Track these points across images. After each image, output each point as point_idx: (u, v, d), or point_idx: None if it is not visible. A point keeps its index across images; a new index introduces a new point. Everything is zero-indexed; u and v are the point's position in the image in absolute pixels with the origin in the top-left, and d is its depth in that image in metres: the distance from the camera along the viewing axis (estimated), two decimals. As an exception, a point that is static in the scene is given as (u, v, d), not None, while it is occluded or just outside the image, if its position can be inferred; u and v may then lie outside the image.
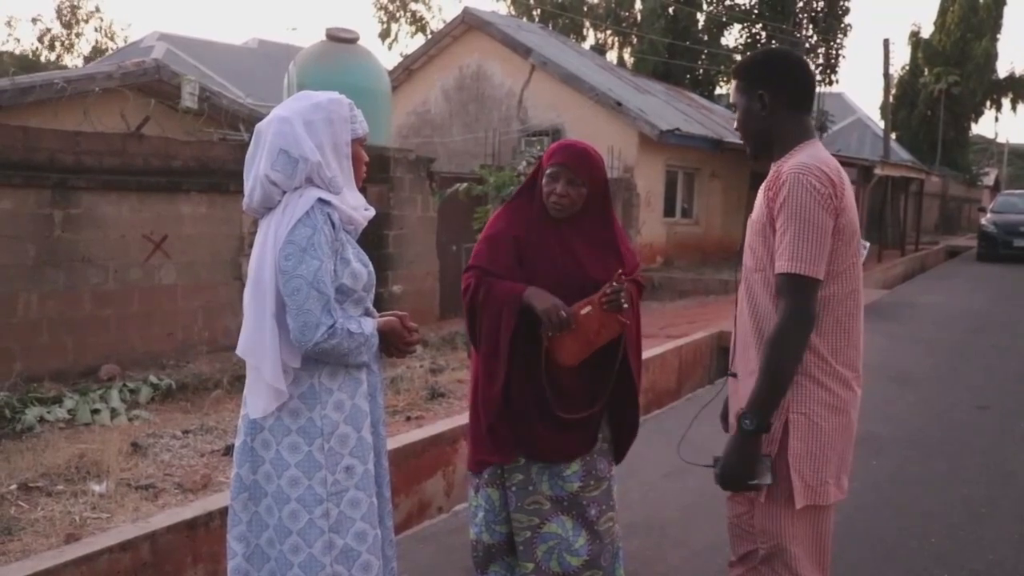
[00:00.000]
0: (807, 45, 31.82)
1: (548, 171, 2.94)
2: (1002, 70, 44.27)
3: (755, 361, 2.45)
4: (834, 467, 2.45)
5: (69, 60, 37.14)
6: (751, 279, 2.50)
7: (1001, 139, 61.09)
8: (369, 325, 2.46)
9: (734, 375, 2.60)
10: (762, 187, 2.50)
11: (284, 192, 2.39)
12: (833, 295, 2.40)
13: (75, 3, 37.89)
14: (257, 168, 2.41)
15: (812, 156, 2.41)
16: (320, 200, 2.35)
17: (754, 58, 2.63)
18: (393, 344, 2.55)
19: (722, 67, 33.11)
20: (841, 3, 32.00)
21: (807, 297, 2.32)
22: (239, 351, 2.42)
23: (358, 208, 2.48)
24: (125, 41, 34.85)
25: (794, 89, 2.52)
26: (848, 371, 2.45)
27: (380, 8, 36.37)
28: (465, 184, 8.41)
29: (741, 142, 2.65)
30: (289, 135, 2.37)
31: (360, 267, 2.46)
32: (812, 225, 2.30)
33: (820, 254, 2.31)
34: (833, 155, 2.58)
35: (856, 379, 2.48)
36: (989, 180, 45.95)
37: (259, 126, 2.46)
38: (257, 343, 2.36)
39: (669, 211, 16.98)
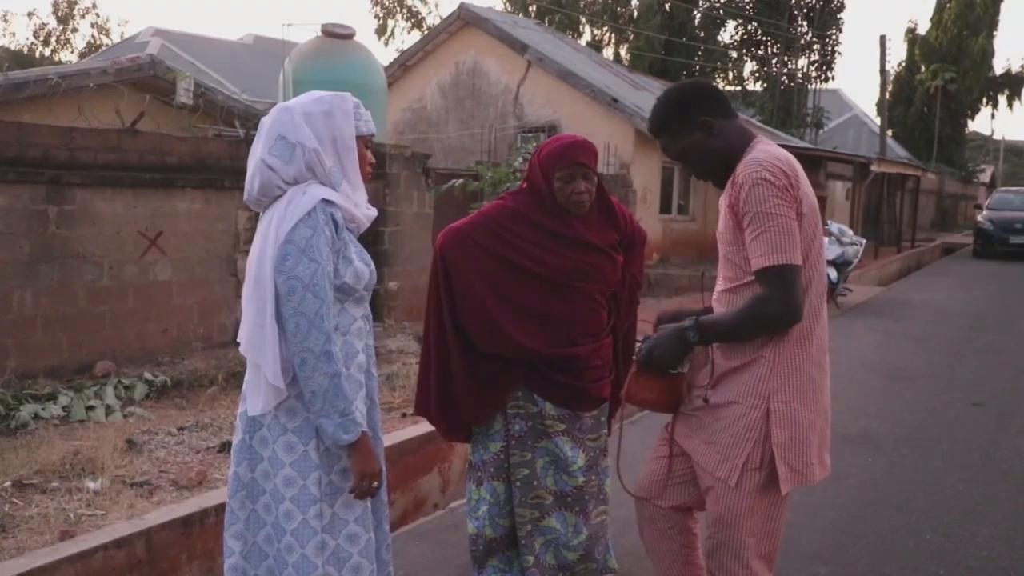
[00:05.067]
0: (802, 41, 31.83)
1: (560, 175, 2.91)
2: (998, 67, 44.19)
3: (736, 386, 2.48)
4: (816, 448, 2.51)
5: (64, 56, 37.02)
6: (735, 294, 2.50)
7: (997, 136, 61.34)
8: (361, 416, 2.37)
9: (705, 401, 2.57)
10: (723, 199, 2.53)
11: (284, 182, 2.37)
12: (810, 280, 2.46)
13: (71, -2, 37.76)
14: (256, 154, 2.41)
15: (762, 152, 2.47)
16: (323, 200, 2.33)
17: (670, 103, 2.60)
18: (364, 466, 2.37)
19: (718, 64, 33.10)
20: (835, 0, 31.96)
21: (791, 283, 2.36)
22: (242, 349, 2.41)
23: (360, 206, 2.46)
24: (121, 37, 34.73)
25: (720, 101, 2.60)
26: (820, 353, 2.52)
27: (376, 4, 36.30)
28: (461, 180, 8.40)
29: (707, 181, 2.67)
30: (288, 122, 2.39)
31: (362, 266, 2.44)
32: (777, 216, 2.35)
33: (792, 242, 2.35)
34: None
35: (825, 358, 2.55)
36: (985, 177, 46.04)
37: (262, 119, 2.47)
38: (258, 340, 2.34)
39: (665, 208, 16.97)
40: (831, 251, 11.59)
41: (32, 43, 37.20)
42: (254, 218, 2.28)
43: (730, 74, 34.00)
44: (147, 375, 6.46)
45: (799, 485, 2.50)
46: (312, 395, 2.28)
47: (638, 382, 2.66)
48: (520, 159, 9.14)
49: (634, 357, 2.70)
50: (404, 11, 36.31)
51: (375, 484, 2.40)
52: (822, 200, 19.66)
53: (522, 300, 2.97)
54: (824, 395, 2.54)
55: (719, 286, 2.60)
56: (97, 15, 52.09)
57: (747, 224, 2.39)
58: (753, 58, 33.21)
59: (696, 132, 2.53)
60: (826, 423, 2.56)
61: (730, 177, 2.48)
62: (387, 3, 36.19)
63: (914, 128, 40.54)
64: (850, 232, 12.58)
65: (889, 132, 31.99)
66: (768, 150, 2.48)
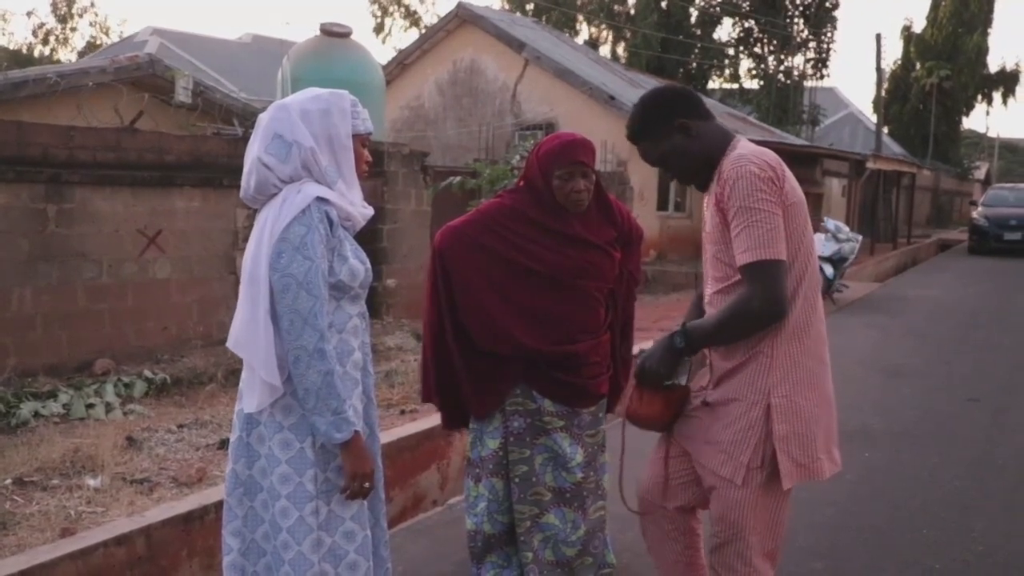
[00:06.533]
0: (798, 39, 31.85)
1: (559, 173, 2.91)
2: (993, 64, 44.26)
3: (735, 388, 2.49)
4: (822, 442, 2.49)
5: (63, 55, 36.95)
6: (727, 294, 2.49)
7: (992, 133, 61.23)
8: (355, 415, 2.37)
9: (705, 403, 2.58)
10: (708, 201, 2.52)
11: (280, 180, 2.38)
12: (803, 273, 2.45)
13: (70, -3, 37.68)
14: (252, 151, 2.42)
15: (746, 148, 2.47)
16: (318, 198, 2.34)
17: (647, 107, 2.59)
18: (356, 467, 2.36)
19: (715, 61, 33.13)
20: (831, -3, 31.99)
21: (775, 279, 2.35)
22: (229, 344, 2.41)
23: (356, 204, 2.46)
24: (120, 36, 34.67)
25: (696, 102, 2.59)
26: (819, 345, 2.50)
27: (374, 2, 36.31)
28: (459, 178, 8.44)
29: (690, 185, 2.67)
30: (285, 120, 2.38)
31: (358, 264, 2.44)
32: (760, 211, 2.34)
33: (775, 236, 2.34)
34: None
35: (825, 350, 2.53)
36: (980, 174, 46.09)
37: (260, 116, 2.47)
38: (250, 337, 2.34)
39: (662, 205, 16.99)
40: (827, 248, 11.61)
41: (31, 42, 37.17)
42: (253, 216, 2.27)
43: (726, 72, 34.05)
44: (147, 373, 6.47)
45: (805, 480, 2.47)
46: (305, 393, 2.28)
47: (640, 398, 2.62)
48: (518, 157, 9.18)
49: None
50: (401, 10, 36.33)
51: (367, 485, 2.39)
52: (818, 197, 19.71)
53: (521, 298, 2.98)
54: (826, 388, 2.52)
55: (710, 288, 2.57)
56: (96, 14, 51.99)
57: (732, 218, 2.38)
58: (749, 56, 33.26)
59: (675, 135, 2.52)
60: (831, 417, 2.54)
61: (714, 176, 2.47)
62: (384, 2, 36.18)
63: (910, 125, 40.59)
64: (846, 229, 12.59)
65: (885, 129, 32.05)
66: (752, 147, 2.48)
